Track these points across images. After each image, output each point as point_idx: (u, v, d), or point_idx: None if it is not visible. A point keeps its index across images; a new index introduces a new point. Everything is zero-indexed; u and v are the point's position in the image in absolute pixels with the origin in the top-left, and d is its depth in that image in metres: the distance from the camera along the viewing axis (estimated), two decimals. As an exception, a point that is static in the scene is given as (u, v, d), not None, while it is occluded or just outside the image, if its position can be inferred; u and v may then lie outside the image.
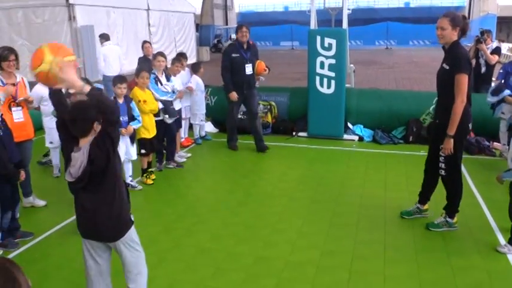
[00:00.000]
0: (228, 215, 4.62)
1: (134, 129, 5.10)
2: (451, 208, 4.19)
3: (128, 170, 5.31)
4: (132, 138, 5.13)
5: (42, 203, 4.91)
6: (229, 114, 6.91)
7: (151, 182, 5.52)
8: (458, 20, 3.85)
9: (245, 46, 6.60)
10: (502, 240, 3.94)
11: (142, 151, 5.34)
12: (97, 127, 2.44)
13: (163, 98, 5.75)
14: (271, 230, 4.25)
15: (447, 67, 3.88)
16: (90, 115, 2.42)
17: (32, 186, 4.87)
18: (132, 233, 2.68)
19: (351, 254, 3.80)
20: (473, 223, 4.33)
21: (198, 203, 5.02)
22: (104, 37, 10.20)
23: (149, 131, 5.39)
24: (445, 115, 3.92)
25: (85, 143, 2.45)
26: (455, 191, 4.16)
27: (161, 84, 5.77)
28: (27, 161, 4.65)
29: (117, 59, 10.03)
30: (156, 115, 5.69)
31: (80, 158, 2.42)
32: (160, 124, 5.74)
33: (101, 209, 2.54)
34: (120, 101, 4.90)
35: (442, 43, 3.95)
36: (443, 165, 4.08)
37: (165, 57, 5.99)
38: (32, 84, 4.98)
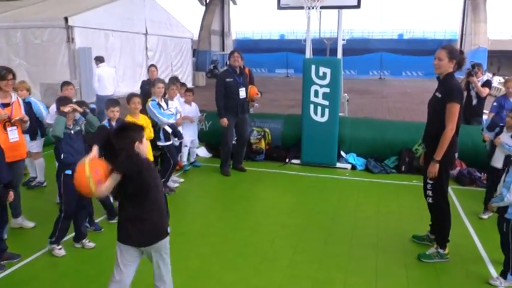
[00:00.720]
0: (219, 242, 4.57)
1: None
2: (442, 238, 4.20)
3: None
4: None
5: (30, 224, 4.85)
6: (223, 140, 6.96)
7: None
8: (456, 53, 3.98)
9: (238, 71, 6.80)
10: (494, 273, 3.93)
11: None
12: (138, 146, 2.74)
13: (171, 120, 5.86)
14: (262, 258, 4.21)
15: (439, 95, 3.98)
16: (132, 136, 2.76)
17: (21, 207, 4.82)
18: (166, 243, 2.88)
19: (343, 284, 3.76)
20: (465, 254, 4.32)
21: (188, 228, 4.97)
22: (99, 59, 10.51)
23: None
24: (432, 142, 4.01)
25: None
26: (443, 219, 4.19)
27: (164, 109, 5.85)
28: (19, 181, 4.61)
29: (111, 80, 10.33)
30: (167, 139, 5.81)
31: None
32: (173, 147, 5.94)
33: (133, 216, 2.76)
34: (113, 123, 4.91)
35: (438, 73, 4.06)
36: (430, 193, 4.15)
37: (164, 84, 6.08)
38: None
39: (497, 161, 5.01)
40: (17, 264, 4.01)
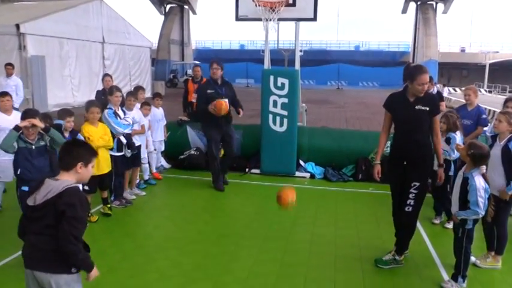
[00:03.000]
0: (178, 254, 4.49)
1: None
2: (403, 246, 4.32)
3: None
4: None
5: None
6: (210, 154, 6.69)
7: (96, 219, 5.30)
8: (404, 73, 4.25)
9: (219, 82, 6.59)
10: (446, 276, 4.08)
11: (86, 188, 5.13)
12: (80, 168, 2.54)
13: (127, 130, 5.72)
14: (222, 270, 4.17)
15: (426, 108, 4.07)
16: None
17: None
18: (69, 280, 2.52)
19: (301, 293, 3.79)
20: (419, 259, 4.46)
21: (147, 241, 4.86)
22: (12, 66, 10.14)
23: (98, 168, 5.19)
24: (419, 151, 4.12)
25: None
26: (413, 228, 4.30)
27: (121, 118, 5.71)
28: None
29: None
30: (119, 150, 5.64)
31: None
32: (123, 159, 5.76)
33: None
34: (66, 134, 4.75)
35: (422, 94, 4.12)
36: (412, 202, 4.18)
37: (121, 92, 5.95)
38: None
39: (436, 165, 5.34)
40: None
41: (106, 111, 5.61)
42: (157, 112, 7.27)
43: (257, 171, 7.63)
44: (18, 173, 3.97)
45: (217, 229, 5.24)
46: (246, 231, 5.17)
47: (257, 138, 7.67)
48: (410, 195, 4.19)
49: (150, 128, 6.89)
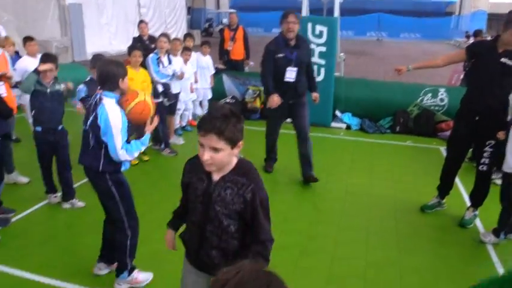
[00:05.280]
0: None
1: None
2: (481, 201, 4.19)
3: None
4: None
5: (25, 180, 4.85)
6: (266, 130, 5.50)
7: (136, 162, 5.47)
8: None
9: (292, 43, 4.77)
10: (482, 229, 4.03)
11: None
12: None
13: (163, 80, 5.73)
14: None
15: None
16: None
17: (14, 162, 4.81)
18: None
19: (334, 239, 3.84)
20: (456, 213, 4.37)
21: (156, 206, 4.92)
22: None
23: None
24: (495, 105, 3.88)
25: None
26: (488, 186, 4.15)
27: (163, 67, 5.72)
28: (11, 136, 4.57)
29: None
30: (156, 97, 5.67)
31: None
32: (161, 106, 5.75)
33: None
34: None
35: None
36: (486, 161, 4.04)
37: (169, 38, 5.90)
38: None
39: None
40: (11, 219, 4.04)
41: (151, 55, 5.65)
42: (203, 60, 7.19)
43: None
44: (33, 113, 4.13)
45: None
46: (281, 177, 5.24)
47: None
48: (485, 154, 4.02)
49: (195, 78, 6.93)
